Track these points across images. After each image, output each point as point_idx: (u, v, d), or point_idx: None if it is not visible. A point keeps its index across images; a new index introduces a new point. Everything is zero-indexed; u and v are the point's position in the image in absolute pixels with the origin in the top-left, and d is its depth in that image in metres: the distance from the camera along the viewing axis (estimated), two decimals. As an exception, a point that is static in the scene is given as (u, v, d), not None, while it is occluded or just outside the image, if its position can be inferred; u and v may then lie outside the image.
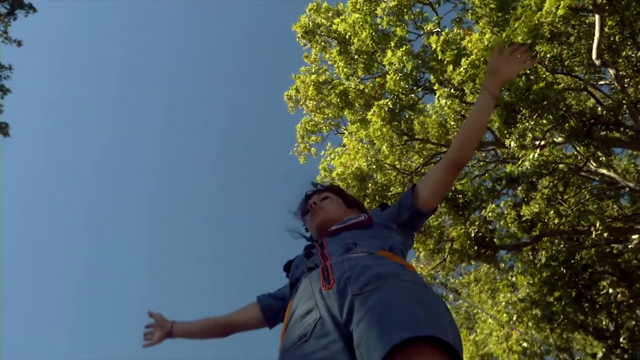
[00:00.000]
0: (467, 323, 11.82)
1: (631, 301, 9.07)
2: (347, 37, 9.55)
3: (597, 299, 9.43)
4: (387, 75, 8.46)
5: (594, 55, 7.55)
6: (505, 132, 7.23)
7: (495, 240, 8.40)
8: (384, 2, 9.13)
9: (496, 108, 7.99)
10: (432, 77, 8.31)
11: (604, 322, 9.57)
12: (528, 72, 7.26)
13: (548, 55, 7.87)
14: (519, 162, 7.05)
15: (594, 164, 8.47)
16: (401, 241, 1.47)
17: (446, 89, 7.84)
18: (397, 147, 9.12)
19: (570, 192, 9.56)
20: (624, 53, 8.38)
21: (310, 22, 10.50)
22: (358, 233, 1.43)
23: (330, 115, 10.82)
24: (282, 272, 1.59)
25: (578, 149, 8.35)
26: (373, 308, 1.06)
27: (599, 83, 9.16)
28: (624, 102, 7.63)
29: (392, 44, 8.48)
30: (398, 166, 9.77)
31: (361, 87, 9.94)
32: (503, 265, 10.07)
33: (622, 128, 8.02)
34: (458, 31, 8.28)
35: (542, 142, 7.64)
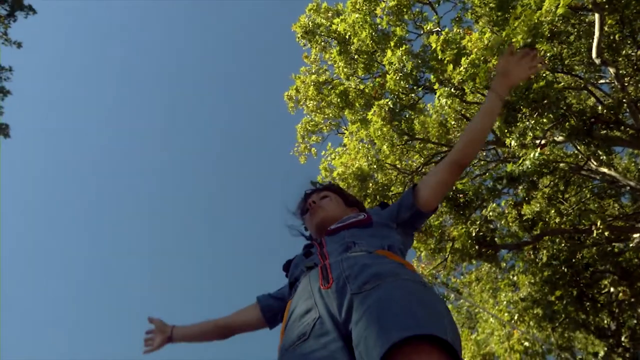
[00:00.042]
0: (469, 322, 11.81)
1: (632, 300, 9.05)
2: (347, 37, 9.55)
3: (598, 298, 9.42)
4: (387, 75, 8.46)
5: (594, 54, 7.55)
6: (506, 131, 7.23)
7: (496, 239, 8.40)
8: (384, 2, 9.13)
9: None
10: (432, 76, 8.31)
11: (605, 321, 9.56)
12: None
13: (548, 54, 7.86)
14: (520, 161, 7.05)
15: (595, 163, 8.47)
16: (401, 240, 1.47)
17: (446, 89, 7.84)
18: (398, 147, 9.12)
19: (571, 191, 9.55)
20: (624, 52, 8.38)
21: (310, 22, 10.51)
22: (357, 232, 1.43)
23: (330, 115, 10.82)
24: (283, 273, 1.59)
25: (579, 147, 8.35)
26: (372, 307, 1.06)
27: (599, 82, 9.16)
28: (624, 100, 7.63)
29: (392, 43, 8.48)
30: (399, 166, 9.78)
31: (361, 87, 9.94)
32: (504, 264, 10.07)
33: (622, 127, 8.01)
34: (458, 30, 8.28)
35: (543, 141, 7.63)
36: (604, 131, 7.57)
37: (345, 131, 10.50)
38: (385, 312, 1.03)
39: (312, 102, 10.72)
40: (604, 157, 7.83)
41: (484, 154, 10.02)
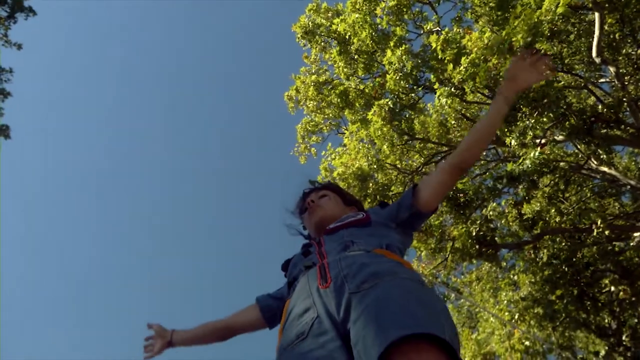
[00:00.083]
0: (469, 322, 11.81)
1: (633, 299, 9.05)
2: (347, 37, 9.56)
3: (599, 297, 9.41)
4: (387, 75, 8.46)
5: (594, 53, 7.55)
6: (506, 130, 7.23)
7: (496, 239, 8.40)
8: (384, 1, 9.13)
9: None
10: (432, 76, 8.31)
11: (606, 320, 9.55)
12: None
13: (548, 54, 7.85)
14: (520, 161, 7.05)
15: (595, 162, 8.46)
16: (399, 239, 1.46)
17: (446, 88, 7.84)
18: (398, 147, 9.12)
19: (572, 190, 9.55)
20: (624, 51, 8.38)
21: (310, 23, 10.51)
22: (356, 231, 1.43)
23: (330, 115, 10.83)
24: (282, 273, 1.59)
25: (579, 147, 8.35)
26: (370, 306, 1.06)
27: (599, 81, 9.16)
28: (624, 99, 7.63)
29: (392, 43, 8.48)
30: (399, 166, 9.78)
31: (361, 87, 9.94)
32: (505, 264, 10.07)
33: (622, 126, 8.01)
34: (458, 30, 8.28)
35: (543, 141, 7.63)
36: (604, 130, 7.57)
37: (346, 131, 10.51)
38: (384, 310, 1.03)
39: (312, 102, 10.73)
40: (604, 156, 7.83)
41: (484, 153, 10.02)
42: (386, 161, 9.31)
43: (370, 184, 9.00)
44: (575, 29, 8.20)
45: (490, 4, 7.35)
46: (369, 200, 8.52)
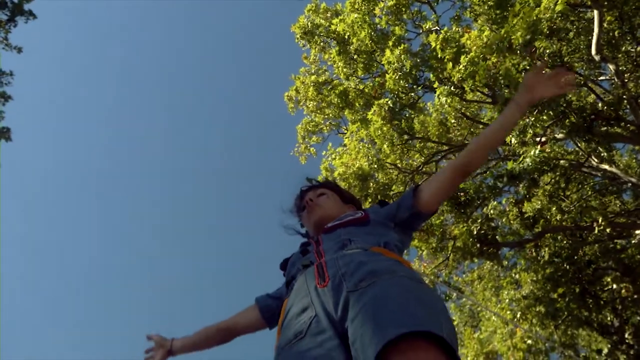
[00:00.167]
0: (471, 321, 11.81)
1: (635, 296, 9.04)
2: (346, 37, 9.56)
3: (601, 295, 9.40)
4: (387, 75, 8.47)
5: (593, 51, 7.54)
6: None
7: (497, 237, 8.39)
8: (382, 1, 9.14)
9: (496, 105, 8.00)
10: (431, 75, 8.31)
11: (608, 318, 9.54)
12: (528, 68, 7.25)
13: (547, 52, 7.85)
14: (520, 159, 7.04)
15: (596, 160, 8.45)
16: (398, 238, 1.46)
17: (446, 87, 7.84)
18: (398, 146, 9.12)
19: (572, 188, 9.53)
20: (624, 48, 8.37)
21: (309, 23, 10.52)
22: (354, 230, 1.43)
23: (330, 115, 10.84)
24: (282, 273, 1.59)
25: (579, 144, 8.34)
26: (368, 304, 1.06)
27: (599, 78, 9.15)
28: (624, 97, 7.62)
29: (391, 43, 8.49)
30: (399, 165, 9.78)
31: (361, 86, 9.95)
32: (506, 262, 10.05)
33: (623, 123, 8.00)
34: (457, 29, 8.28)
35: (543, 139, 7.63)
36: (605, 128, 7.57)
37: (346, 131, 10.51)
38: (381, 309, 1.03)
39: (312, 102, 10.74)
40: (605, 154, 7.82)
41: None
42: (386, 161, 9.31)
43: (371, 184, 9.00)
44: (575, 26, 8.19)
45: (489, 2, 7.35)
46: (370, 200, 8.52)
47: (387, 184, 9.24)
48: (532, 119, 6.92)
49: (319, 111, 10.85)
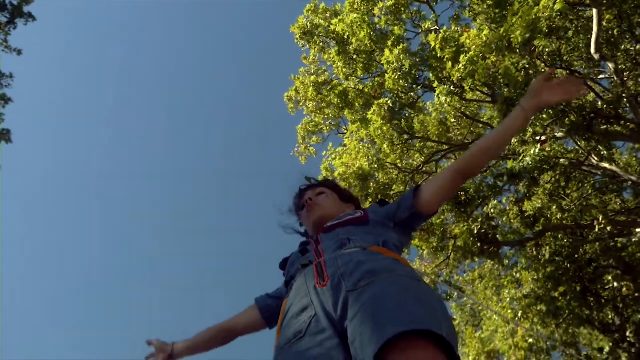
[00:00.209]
0: (473, 320, 11.80)
1: (637, 295, 9.03)
2: (346, 37, 9.57)
3: (602, 294, 9.40)
4: (386, 75, 8.47)
5: (592, 50, 7.54)
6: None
7: (498, 236, 8.39)
8: (382, 1, 9.15)
9: (496, 104, 8.00)
10: (431, 74, 8.32)
11: (609, 317, 9.54)
12: (527, 66, 7.26)
13: (547, 50, 7.86)
14: (520, 158, 7.05)
15: (596, 158, 8.45)
16: (397, 238, 1.46)
17: (445, 86, 7.84)
18: (398, 146, 9.12)
19: (573, 187, 9.53)
20: (623, 46, 8.37)
21: (308, 23, 10.53)
22: (353, 229, 1.43)
23: (330, 115, 10.84)
24: (282, 273, 1.59)
25: (579, 143, 8.34)
26: (367, 303, 1.06)
27: (599, 77, 9.15)
28: (623, 95, 7.61)
29: (390, 42, 8.49)
30: (399, 165, 9.78)
31: (361, 86, 9.96)
32: (507, 261, 10.05)
33: (622, 121, 8.00)
34: (456, 28, 8.29)
35: (543, 137, 7.63)
36: (604, 126, 7.57)
37: (346, 131, 10.51)
38: (380, 308, 1.03)
39: (311, 102, 10.74)
40: (605, 152, 7.82)
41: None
42: (387, 160, 9.31)
43: (371, 184, 9.00)
44: (574, 25, 8.19)
45: (488, 1, 7.35)
46: (370, 200, 8.52)
47: (388, 184, 9.24)
48: (532, 117, 6.91)
49: (318, 111, 10.85)
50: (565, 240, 9.21)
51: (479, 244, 7.95)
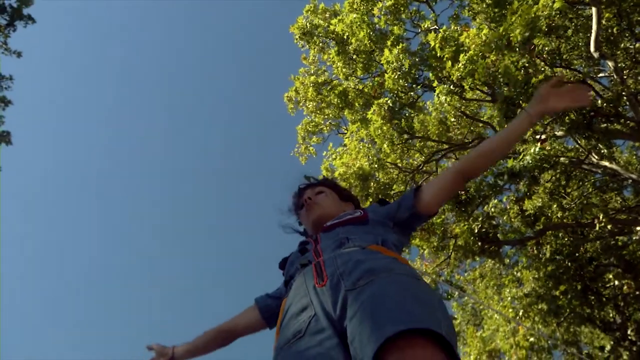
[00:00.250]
0: (474, 319, 11.79)
1: (637, 293, 9.04)
2: (345, 37, 9.57)
3: (603, 292, 9.40)
4: (386, 74, 8.47)
5: (592, 48, 7.54)
6: (505, 126, 7.22)
7: (499, 235, 8.40)
8: (381, 1, 9.15)
9: (495, 103, 8.00)
10: (430, 74, 8.32)
11: (610, 315, 9.54)
12: (526, 65, 7.26)
13: (546, 49, 7.86)
14: (520, 157, 7.05)
15: (596, 157, 8.45)
16: (396, 238, 1.46)
17: (445, 86, 7.84)
18: (398, 146, 9.13)
19: (573, 186, 9.54)
20: (622, 45, 8.37)
21: (307, 24, 10.53)
22: (352, 228, 1.43)
23: (330, 115, 10.84)
24: (281, 273, 1.59)
25: (579, 142, 8.34)
26: (366, 303, 1.06)
27: (598, 75, 9.15)
28: (623, 93, 7.62)
29: (389, 42, 8.50)
30: (400, 164, 9.78)
31: (360, 86, 9.96)
32: (508, 260, 10.06)
33: (622, 120, 8.00)
34: (455, 28, 8.30)
35: (543, 136, 7.64)
36: (604, 125, 7.57)
37: (346, 131, 10.52)
38: (379, 307, 1.03)
39: (311, 102, 10.74)
40: (605, 151, 7.83)
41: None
42: (387, 160, 9.32)
43: (372, 184, 9.01)
44: (573, 24, 8.19)
45: (487, 0, 7.36)
46: (371, 200, 8.52)
47: (388, 184, 9.25)
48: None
49: (318, 111, 10.85)
50: (566, 239, 9.21)
51: (479, 243, 7.95)
